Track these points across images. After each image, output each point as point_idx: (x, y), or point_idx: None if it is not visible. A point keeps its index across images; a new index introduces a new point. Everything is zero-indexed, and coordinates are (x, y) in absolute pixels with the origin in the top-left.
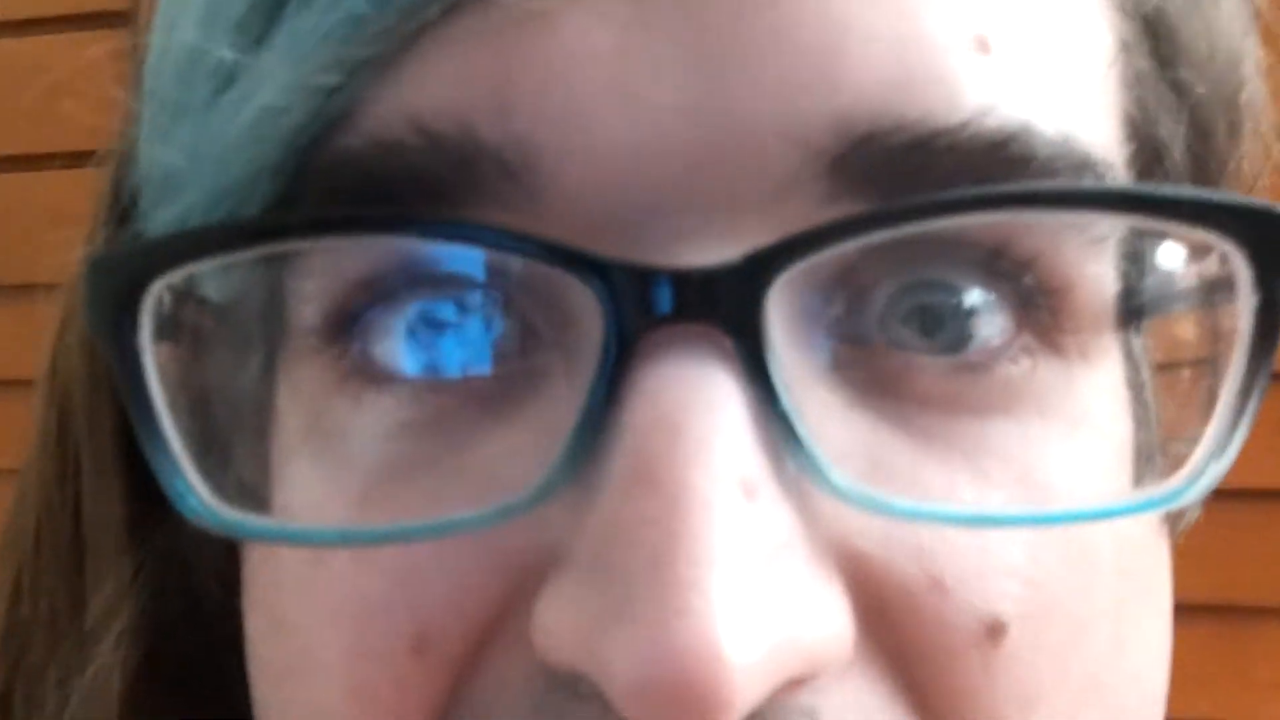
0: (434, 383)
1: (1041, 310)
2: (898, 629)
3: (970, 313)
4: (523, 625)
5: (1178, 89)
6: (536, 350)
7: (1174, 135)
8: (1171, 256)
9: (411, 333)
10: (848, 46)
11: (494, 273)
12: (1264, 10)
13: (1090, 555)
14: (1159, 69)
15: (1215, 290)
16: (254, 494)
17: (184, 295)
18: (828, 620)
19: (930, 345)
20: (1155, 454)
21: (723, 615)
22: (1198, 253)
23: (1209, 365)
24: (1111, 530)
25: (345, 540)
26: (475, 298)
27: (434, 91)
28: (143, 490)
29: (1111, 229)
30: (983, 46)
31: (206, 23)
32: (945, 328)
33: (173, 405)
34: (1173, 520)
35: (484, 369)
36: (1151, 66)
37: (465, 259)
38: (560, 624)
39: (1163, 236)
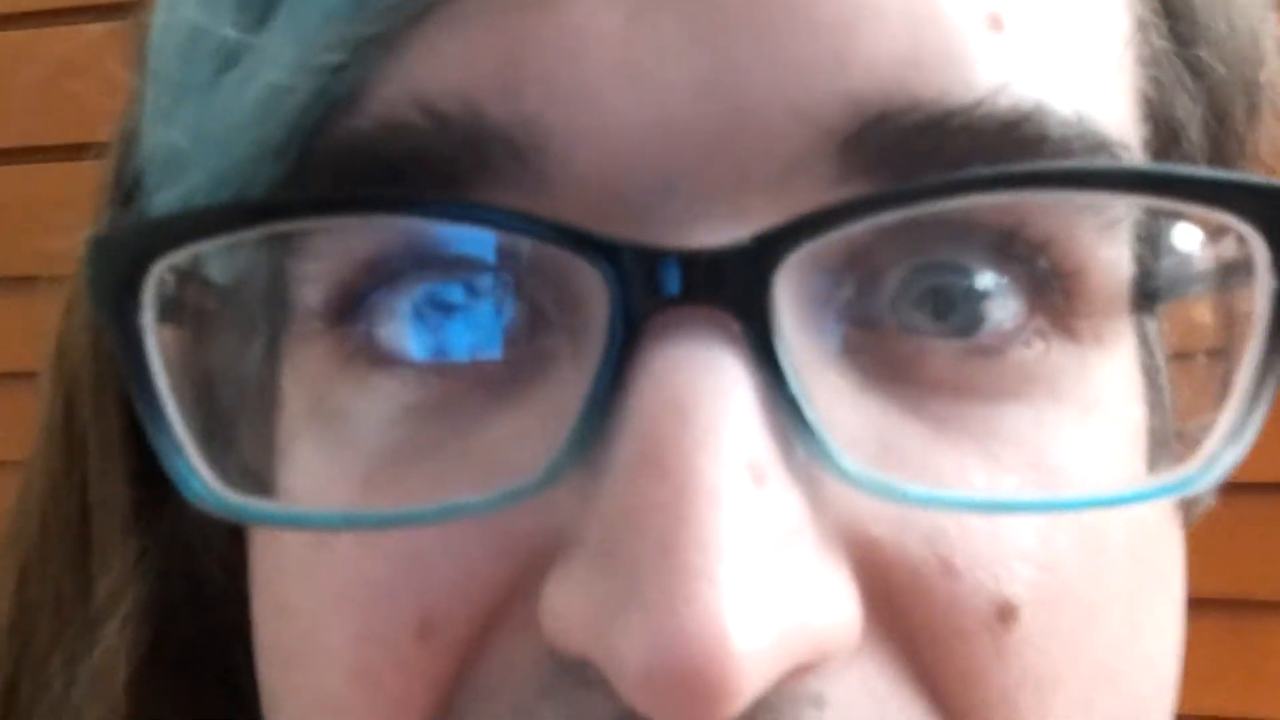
0: (439, 366)
1: (1055, 294)
2: (907, 613)
3: (983, 296)
4: (530, 609)
5: (1195, 68)
6: (544, 333)
7: (1191, 115)
8: (1187, 239)
9: (418, 316)
10: (860, 25)
11: (502, 255)
12: None
13: (1104, 541)
14: (1176, 48)
15: (1231, 273)
16: (258, 477)
17: (187, 276)
18: (836, 607)
19: (942, 329)
20: (1169, 440)
21: (730, 603)
22: (1214, 235)
23: (1225, 350)
24: (1125, 516)
25: (349, 524)
26: (483, 281)
27: (441, 72)
28: (148, 474)
29: (1126, 211)
30: (996, 24)
31: (208, 1)
32: (957, 311)
33: (176, 388)
34: (1186, 508)
35: (492, 353)
36: (1168, 45)
37: (473, 241)
38: (568, 609)
39: (1178, 218)
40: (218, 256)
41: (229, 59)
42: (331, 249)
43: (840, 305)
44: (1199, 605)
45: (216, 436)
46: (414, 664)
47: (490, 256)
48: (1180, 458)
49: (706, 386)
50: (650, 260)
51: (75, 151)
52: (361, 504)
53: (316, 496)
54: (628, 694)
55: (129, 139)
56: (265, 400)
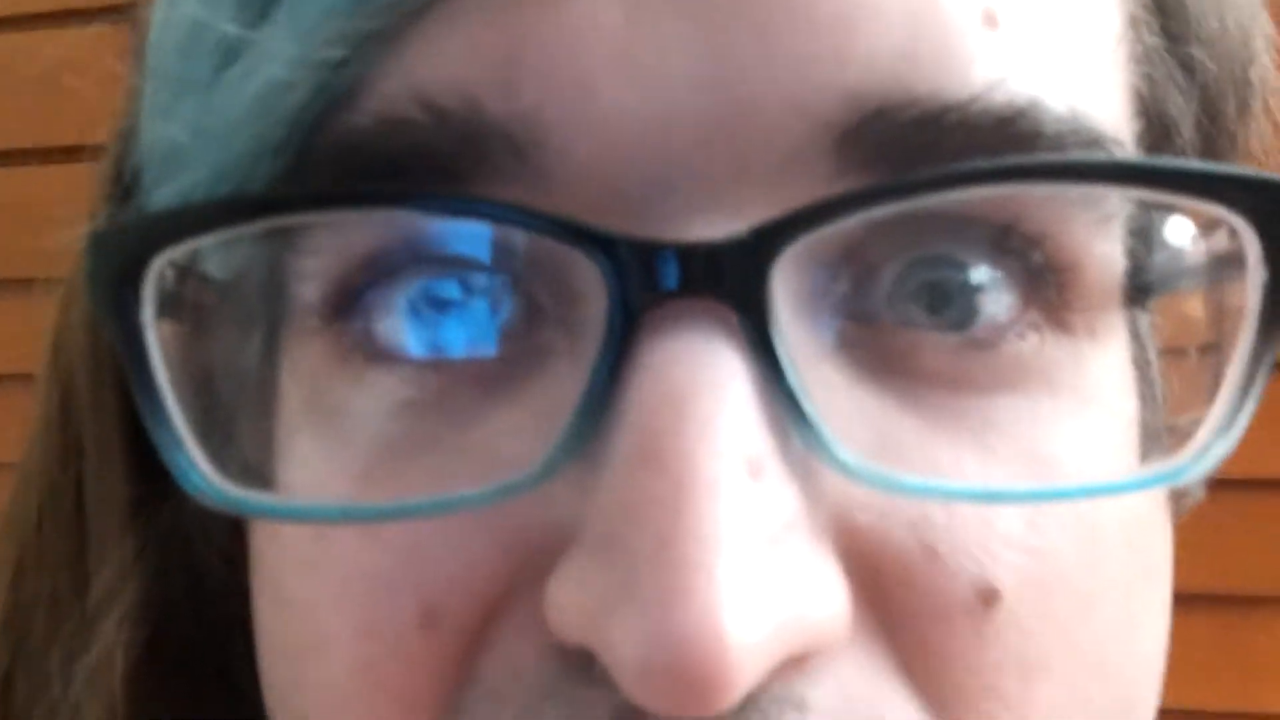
0: (436, 362)
1: (1049, 288)
2: (891, 599)
3: (978, 289)
4: (533, 604)
5: (1187, 65)
6: (541, 328)
7: (1183, 112)
8: (1179, 233)
9: (415, 312)
10: (859, 21)
11: (499, 250)
12: None
13: (1098, 530)
14: (1168, 45)
15: (1223, 267)
16: (257, 471)
17: (186, 272)
18: (828, 599)
19: (937, 322)
20: (1161, 432)
21: (727, 596)
22: (1206, 229)
23: (1216, 343)
24: (1119, 506)
25: (347, 517)
26: (480, 279)
27: (440, 67)
28: (144, 471)
29: (1120, 205)
30: (991, 21)
31: None
32: (952, 304)
33: (175, 382)
34: (1175, 501)
35: (489, 349)
36: (1161, 42)
37: (471, 239)
38: (570, 602)
39: (1170, 211)
40: (216, 252)
41: (229, 55)
42: (330, 244)
43: (837, 299)
44: (1189, 600)
45: (216, 431)
46: (417, 656)
47: (487, 252)
48: (1172, 449)
49: (704, 380)
50: (648, 253)
51: (73, 153)
52: (359, 497)
53: (315, 491)
54: (626, 686)
55: (128, 135)
56: (264, 395)
